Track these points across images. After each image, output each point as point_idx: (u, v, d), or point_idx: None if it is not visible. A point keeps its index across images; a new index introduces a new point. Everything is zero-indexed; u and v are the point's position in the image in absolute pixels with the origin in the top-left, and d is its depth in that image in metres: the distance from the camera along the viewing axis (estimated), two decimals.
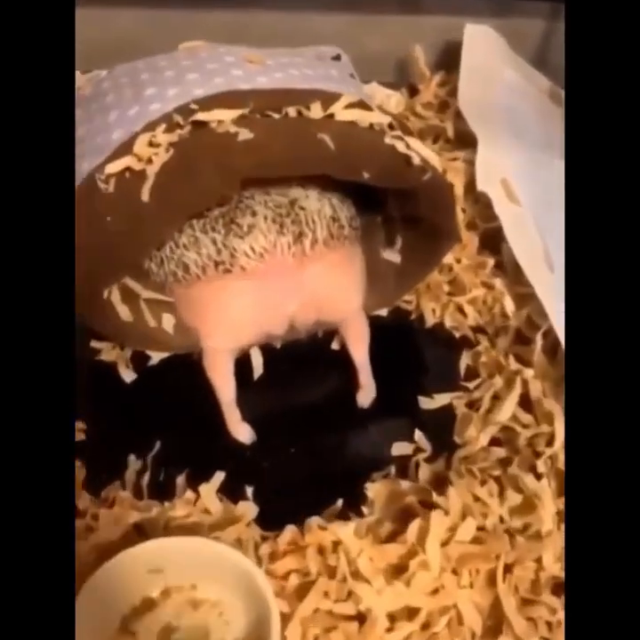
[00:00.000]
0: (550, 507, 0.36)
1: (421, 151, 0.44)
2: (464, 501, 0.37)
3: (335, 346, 0.48)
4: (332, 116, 0.43)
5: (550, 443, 0.40)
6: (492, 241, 0.53)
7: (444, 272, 0.52)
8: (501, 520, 0.37)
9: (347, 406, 0.45)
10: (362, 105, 0.44)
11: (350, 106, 0.43)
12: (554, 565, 0.35)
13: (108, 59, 0.57)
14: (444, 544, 0.35)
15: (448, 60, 0.69)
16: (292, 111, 0.42)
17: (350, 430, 0.44)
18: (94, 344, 0.46)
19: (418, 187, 0.43)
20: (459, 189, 0.57)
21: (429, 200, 0.44)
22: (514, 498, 0.37)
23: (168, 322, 0.45)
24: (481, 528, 0.36)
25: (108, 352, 0.46)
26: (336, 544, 0.35)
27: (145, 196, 0.39)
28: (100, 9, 0.65)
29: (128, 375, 0.45)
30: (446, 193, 0.45)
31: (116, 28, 0.67)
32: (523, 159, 0.59)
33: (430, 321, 0.50)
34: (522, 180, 0.57)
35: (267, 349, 0.47)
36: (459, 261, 0.52)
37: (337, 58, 0.59)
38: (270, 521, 0.38)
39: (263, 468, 0.42)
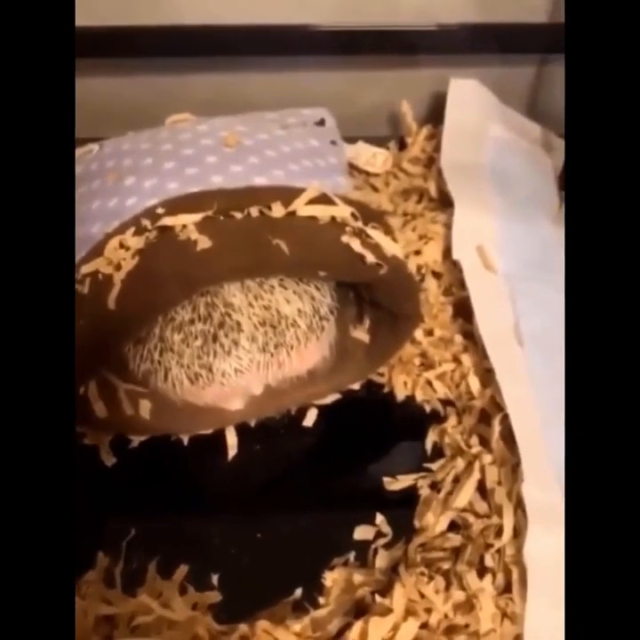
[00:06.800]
0: (489, 607, 0.38)
1: (381, 243, 0.45)
2: (409, 597, 0.39)
3: (307, 423, 0.51)
4: (294, 212, 0.45)
5: (499, 535, 0.41)
6: (467, 310, 0.54)
7: (416, 344, 0.53)
8: (446, 616, 0.39)
9: (316, 486, 0.48)
10: (324, 199, 0.46)
11: (311, 202, 0.45)
12: None
13: (100, 125, 0.60)
14: None
15: (438, 112, 0.69)
16: (254, 211, 0.44)
17: (318, 512, 0.46)
18: (80, 428, 0.50)
19: (376, 280, 0.45)
20: (437, 254, 0.59)
21: (388, 290, 0.46)
22: (458, 595, 0.39)
23: (145, 408, 0.48)
24: (424, 625, 0.38)
25: (90, 435, 0.49)
26: None
27: (111, 303, 0.42)
28: (96, 77, 0.68)
29: (108, 459, 0.48)
30: (405, 283, 0.46)
31: (107, 92, 0.70)
32: (508, 221, 0.60)
33: (401, 394, 0.52)
34: (505, 244, 0.58)
35: (241, 429, 0.50)
36: (431, 333, 0.54)
37: (321, 122, 0.61)
38: (231, 610, 0.41)
39: (230, 554, 0.44)
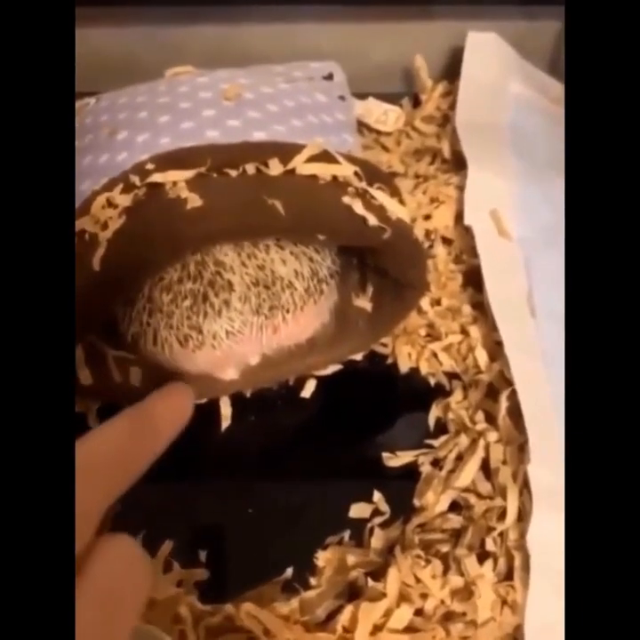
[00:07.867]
0: (488, 594, 0.36)
1: (386, 205, 0.42)
2: (404, 581, 0.37)
3: (305, 394, 0.48)
4: (293, 170, 0.42)
5: (502, 518, 0.39)
6: (478, 278, 0.51)
7: (422, 314, 0.50)
8: (442, 603, 0.37)
9: (312, 460, 0.45)
10: (325, 157, 0.42)
11: (312, 159, 0.42)
12: None
13: (98, 78, 0.57)
14: (378, 630, 0.35)
15: (454, 68, 0.66)
16: (250, 168, 0.41)
17: (313, 488, 0.44)
18: None
19: (379, 245, 0.42)
20: (448, 219, 0.55)
21: (392, 256, 0.43)
22: (456, 580, 0.37)
23: (135, 375, 0.46)
24: (419, 611, 0.36)
25: (78, 403, 0.47)
26: (267, 630, 0.35)
27: (96, 265, 0.39)
28: (96, 28, 0.65)
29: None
30: (411, 248, 0.43)
31: (107, 44, 0.66)
32: (525, 184, 0.56)
33: (405, 366, 0.49)
34: (521, 208, 0.55)
35: (236, 399, 0.47)
36: (438, 302, 0.51)
37: (330, 77, 0.58)
38: (219, 589, 0.39)
39: (219, 530, 0.42)
